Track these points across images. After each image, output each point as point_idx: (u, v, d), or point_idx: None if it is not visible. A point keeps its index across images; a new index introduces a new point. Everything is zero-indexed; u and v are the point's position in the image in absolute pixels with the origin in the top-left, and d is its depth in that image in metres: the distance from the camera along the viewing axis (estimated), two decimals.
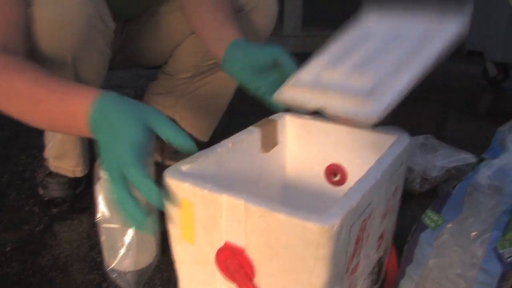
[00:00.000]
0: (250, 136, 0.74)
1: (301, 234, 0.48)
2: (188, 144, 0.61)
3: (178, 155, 1.35)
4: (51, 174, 1.19)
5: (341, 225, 0.48)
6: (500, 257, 0.65)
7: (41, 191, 1.19)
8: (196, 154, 0.65)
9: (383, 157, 0.64)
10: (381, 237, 0.70)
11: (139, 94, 1.59)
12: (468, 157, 1.32)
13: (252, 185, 0.76)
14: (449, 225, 0.68)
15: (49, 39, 0.85)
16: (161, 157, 1.34)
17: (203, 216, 0.56)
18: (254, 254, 0.54)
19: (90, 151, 1.19)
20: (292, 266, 0.51)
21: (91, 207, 1.15)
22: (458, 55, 3.53)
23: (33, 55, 0.84)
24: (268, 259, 0.53)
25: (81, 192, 1.23)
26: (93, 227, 1.06)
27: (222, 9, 0.97)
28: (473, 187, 0.69)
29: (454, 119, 2.21)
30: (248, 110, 1.39)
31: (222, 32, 0.92)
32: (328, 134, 0.80)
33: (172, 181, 0.58)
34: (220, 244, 0.56)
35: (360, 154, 0.77)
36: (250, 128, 0.76)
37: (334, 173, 0.81)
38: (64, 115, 0.67)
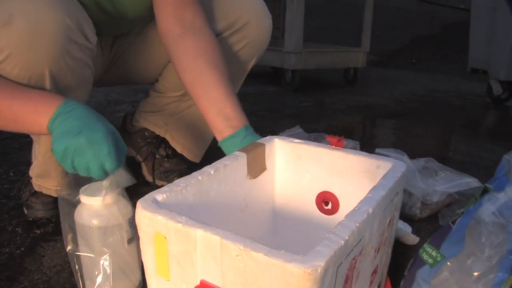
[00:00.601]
0: (235, 162, 0.69)
1: (282, 277, 0.43)
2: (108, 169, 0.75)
3: (169, 175, 1.31)
4: (36, 193, 1.14)
5: (326, 267, 0.43)
6: None
7: (25, 211, 1.15)
8: (175, 181, 0.61)
9: (376, 188, 0.59)
10: (374, 272, 0.65)
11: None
12: (471, 182, 1.26)
13: (237, 214, 0.71)
14: (449, 263, 0.62)
15: (25, 51, 0.81)
16: (152, 177, 1.30)
17: (177, 251, 0.52)
18: None
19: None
20: None
21: None
22: (462, 73, 3.51)
23: (7, 68, 0.81)
24: None
25: None
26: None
27: (220, 77, 0.95)
28: (475, 221, 0.64)
29: (457, 139, 2.16)
30: None
31: (225, 110, 0.90)
32: (319, 159, 0.75)
33: (144, 213, 0.53)
34: (196, 282, 0.52)
35: (353, 182, 0.72)
36: (236, 153, 0.71)
37: (326, 201, 0.76)
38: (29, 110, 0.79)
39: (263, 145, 0.75)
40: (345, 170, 0.73)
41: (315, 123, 2.24)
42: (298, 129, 1.53)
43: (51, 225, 1.12)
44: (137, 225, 0.55)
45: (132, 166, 1.43)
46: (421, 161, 1.30)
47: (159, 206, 0.54)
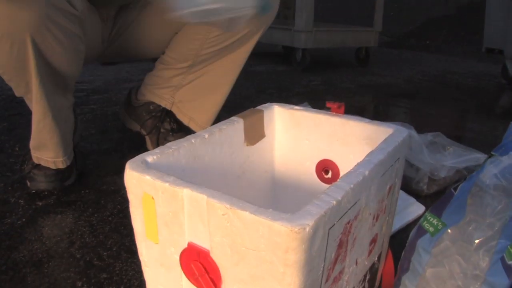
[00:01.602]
0: (232, 127, 0.67)
1: (268, 237, 0.42)
2: None
3: (174, 135, 1.29)
4: (38, 166, 1.14)
5: (315, 227, 0.41)
6: (507, 269, 0.57)
7: (28, 183, 1.15)
8: (167, 144, 0.59)
9: (374, 152, 0.57)
10: (373, 241, 0.63)
11: None
12: (481, 157, 1.23)
13: (233, 181, 0.70)
14: (450, 231, 0.60)
15: (5, 16, 0.79)
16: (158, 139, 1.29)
17: (165, 212, 0.50)
18: (219, 257, 0.47)
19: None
20: (260, 273, 0.44)
21: (78, 201, 1.10)
22: (477, 53, 3.44)
23: None
24: (234, 264, 0.46)
25: (71, 185, 1.19)
26: (77, 221, 1.01)
27: None
28: (478, 187, 0.61)
29: (470, 118, 2.12)
30: (250, 105, 1.34)
31: None
32: (319, 127, 0.73)
33: (132, 173, 0.51)
34: (184, 245, 0.50)
35: (354, 149, 0.70)
36: (233, 118, 0.69)
37: (326, 169, 0.74)
38: None
39: (261, 111, 0.73)
40: (345, 137, 0.71)
41: (324, 101, 2.21)
42: (306, 106, 1.50)
43: (53, 197, 1.12)
44: (126, 187, 0.54)
45: (137, 139, 1.42)
46: (429, 136, 1.27)
47: (148, 167, 0.52)
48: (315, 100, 2.18)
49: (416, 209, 1.05)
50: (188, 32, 1.19)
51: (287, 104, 0.76)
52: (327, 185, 0.74)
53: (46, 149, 1.10)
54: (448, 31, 4.98)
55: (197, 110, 1.29)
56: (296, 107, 0.75)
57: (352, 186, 0.48)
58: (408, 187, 1.17)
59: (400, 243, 0.73)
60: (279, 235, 0.41)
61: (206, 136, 0.63)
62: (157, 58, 1.30)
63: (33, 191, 1.14)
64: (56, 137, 1.09)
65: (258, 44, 1.25)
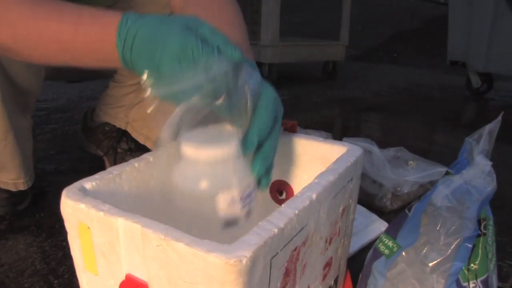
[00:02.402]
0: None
1: (204, 269, 0.39)
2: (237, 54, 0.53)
3: (132, 154, 1.25)
4: None
5: (253, 258, 0.39)
6: None
7: None
8: (108, 169, 0.56)
9: (324, 174, 0.55)
10: (327, 265, 0.61)
11: None
12: (444, 171, 1.23)
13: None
14: (404, 253, 0.58)
15: None
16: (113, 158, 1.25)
17: (102, 243, 0.47)
18: None
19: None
20: None
21: (32, 225, 1.06)
22: (443, 66, 3.49)
23: None
24: None
25: (26, 208, 1.14)
26: (29, 247, 0.97)
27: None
28: (432, 206, 0.60)
29: (435, 131, 2.14)
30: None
31: None
32: None
33: (67, 201, 0.48)
34: (122, 277, 0.47)
35: (307, 169, 0.68)
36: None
37: (280, 190, 0.72)
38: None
39: None
40: (298, 157, 0.69)
41: (291, 116, 2.20)
42: None
43: (5, 222, 1.07)
44: (62, 216, 0.50)
45: (98, 160, 1.38)
46: (391, 151, 1.27)
47: (85, 195, 0.49)
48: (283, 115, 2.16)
49: (379, 226, 1.04)
50: None
51: None
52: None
53: (6, 170, 1.06)
54: (415, 44, 5.06)
55: (152, 129, 1.26)
56: None
57: (296, 212, 0.46)
58: (371, 203, 1.16)
59: (362, 264, 0.71)
60: (214, 268, 0.38)
61: (151, 159, 0.60)
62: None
63: None
64: (17, 157, 1.04)
65: None
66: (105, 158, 1.30)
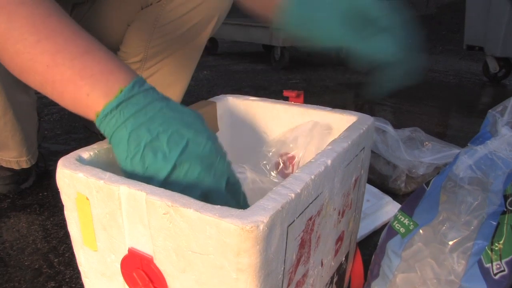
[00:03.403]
0: None
1: (217, 238, 0.36)
2: None
3: None
4: None
5: (270, 224, 0.36)
6: (486, 273, 0.52)
7: None
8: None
9: (337, 140, 0.51)
10: (339, 239, 0.57)
11: None
12: None
13: None
14: (422, 231, 0.54)
15: None
16: None
17: (102, 214, 0.44)
18: (163, 264, 0.41)
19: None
20: (210, 280, 0.38)
21: (35, 204, 1.04)
22: (458, 52, 3.42)
23: None
24: (181, 271, 0.40)
25: (29, 187, 1.12)
26: (30, 226, 0.94)
27: None
28: (452, 181, 0.55)
29: (451, 116, 2.08)
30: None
31: None
32: (278, 118, 0.67)
33: (64, 171, 0.45)
34: (124, 251, 0.44)
35: (316, 141, 0.64)
36: None
37: (287, 163, 0.68)
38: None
39: (213, 103, 0.67)
40: (306, 128, 0.65)
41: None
42: None
43: (8, 201, 1.05)
44: (58, 187, 0.47)
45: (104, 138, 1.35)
46: (406, 131, 1.22)
47: (83, 164, 0.46)
48: None
49: (392, 208, 1.00)
50: (137, 22, 1.12)
51: (241, 95, 0.71)
52: None
53: (8, 148, 1.03)
54: (430, 30, 4.98)
55: None
56: (252, 97, 0.69)
57: (312, 177, 0.42)
58: (384, 185, 1.12)
59: (374, 247, 0.68)
60: (228, 235, 0.35)
61: None
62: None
63: None
64: (18, 135, 1.01)
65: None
66: None
